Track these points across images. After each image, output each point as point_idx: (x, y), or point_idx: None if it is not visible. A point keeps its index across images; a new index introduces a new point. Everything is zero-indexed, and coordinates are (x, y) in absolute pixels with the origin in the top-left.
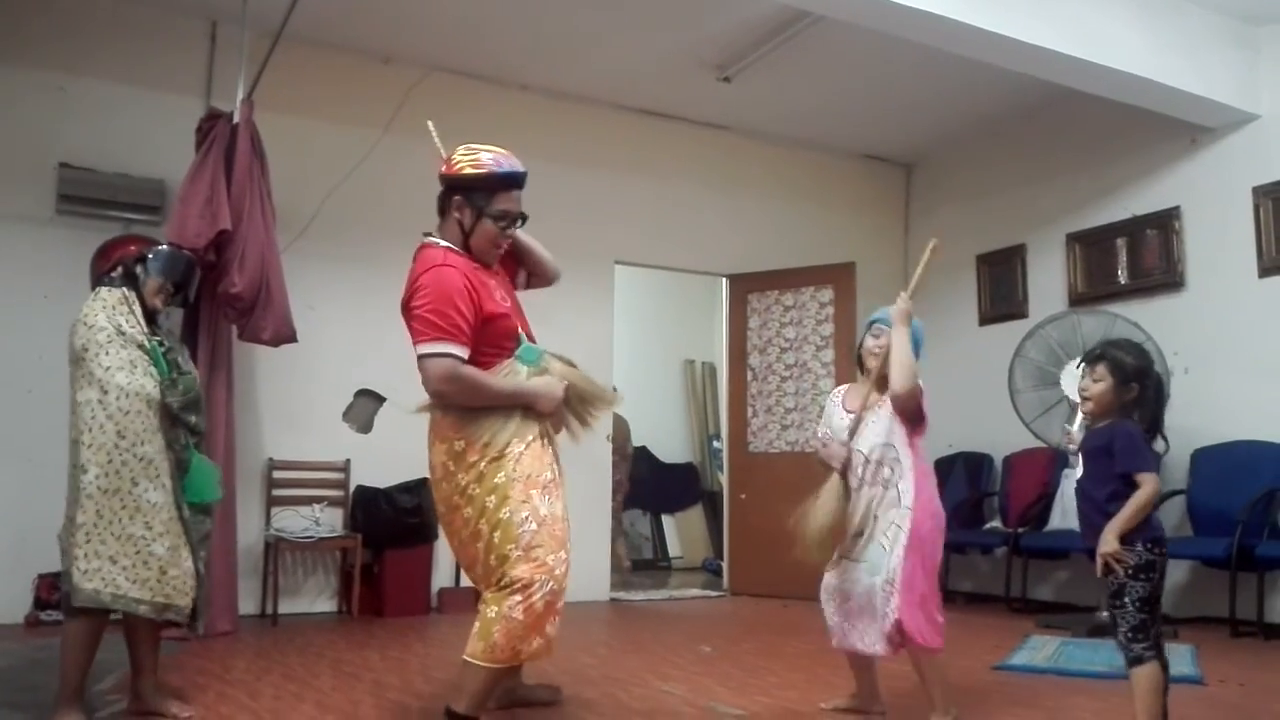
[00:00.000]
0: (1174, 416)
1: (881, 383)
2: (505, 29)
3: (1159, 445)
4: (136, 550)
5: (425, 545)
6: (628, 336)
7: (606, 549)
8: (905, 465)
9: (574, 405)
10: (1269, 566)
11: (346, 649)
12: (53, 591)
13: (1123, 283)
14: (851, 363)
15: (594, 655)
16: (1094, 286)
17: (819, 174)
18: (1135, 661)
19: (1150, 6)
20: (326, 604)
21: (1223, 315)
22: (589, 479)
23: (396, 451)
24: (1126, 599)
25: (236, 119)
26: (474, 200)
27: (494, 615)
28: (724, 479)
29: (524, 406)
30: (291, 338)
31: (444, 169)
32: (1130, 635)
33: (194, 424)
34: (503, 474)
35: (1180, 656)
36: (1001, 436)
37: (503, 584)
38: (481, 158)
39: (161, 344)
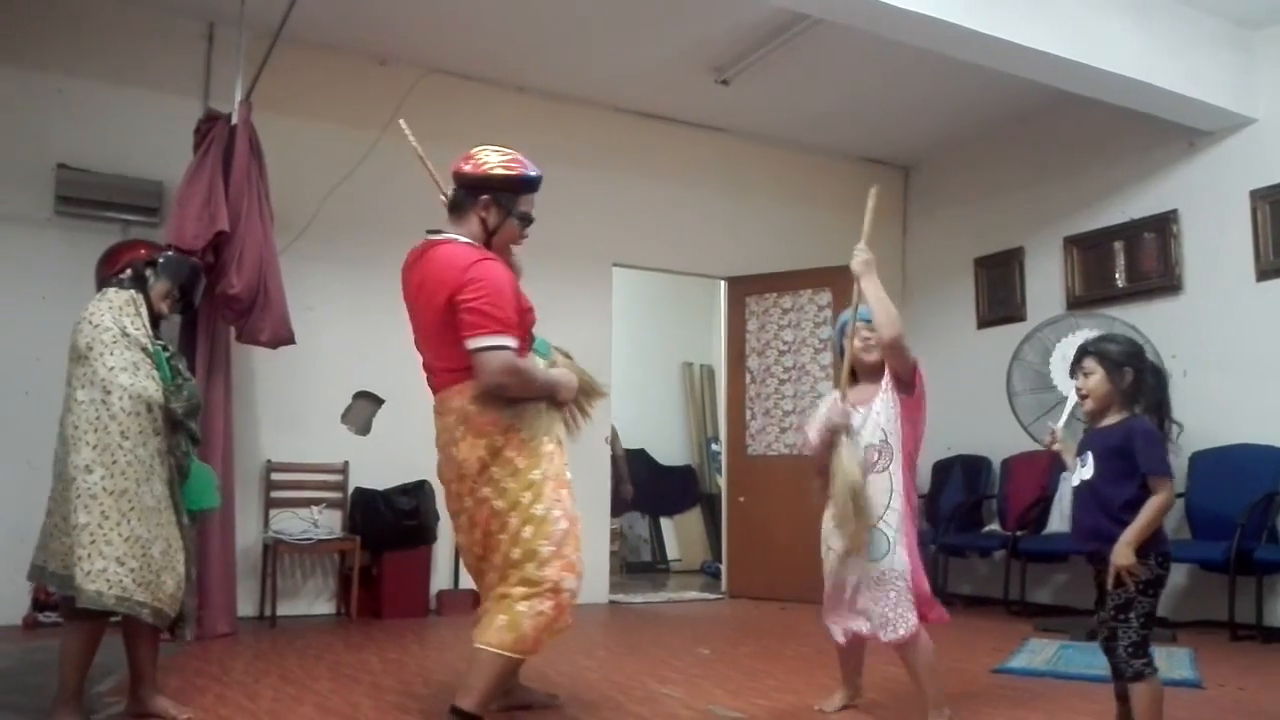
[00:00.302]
0: None
1: (870, 372)
2: (503, 31)
3: (1172, 431)
4: (143, 552)
5: (424, 547)
6: (626, 339)
7: (606, 551)
8: (896, 454)
9: (577, 398)
10: (1267, 570)
11: (345, 651)
12: (51, 593)
13: (1120, 286)
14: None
15: (592, 658)
16: (1092, 290)
17: (817, 176)
18: (1136, 678)
19: (1147, 10)
20: (325, 606)
21: (1220, 318)
22: (588, 480)
23: (395, 453)
24: (1132, 614)
25: (234, 120)
26: (502, 200)
27: (525, 609)
28: (722, 482)
29: (549, 399)
30: (290, 339)
31: (468, 168)
32: (1131, 650)
33: (194, 431)
34: (538, 470)
35: (1179, 660)
36: (1000, 439)
37: (531, 580)
38: (507, 160)
39: (165, 349)
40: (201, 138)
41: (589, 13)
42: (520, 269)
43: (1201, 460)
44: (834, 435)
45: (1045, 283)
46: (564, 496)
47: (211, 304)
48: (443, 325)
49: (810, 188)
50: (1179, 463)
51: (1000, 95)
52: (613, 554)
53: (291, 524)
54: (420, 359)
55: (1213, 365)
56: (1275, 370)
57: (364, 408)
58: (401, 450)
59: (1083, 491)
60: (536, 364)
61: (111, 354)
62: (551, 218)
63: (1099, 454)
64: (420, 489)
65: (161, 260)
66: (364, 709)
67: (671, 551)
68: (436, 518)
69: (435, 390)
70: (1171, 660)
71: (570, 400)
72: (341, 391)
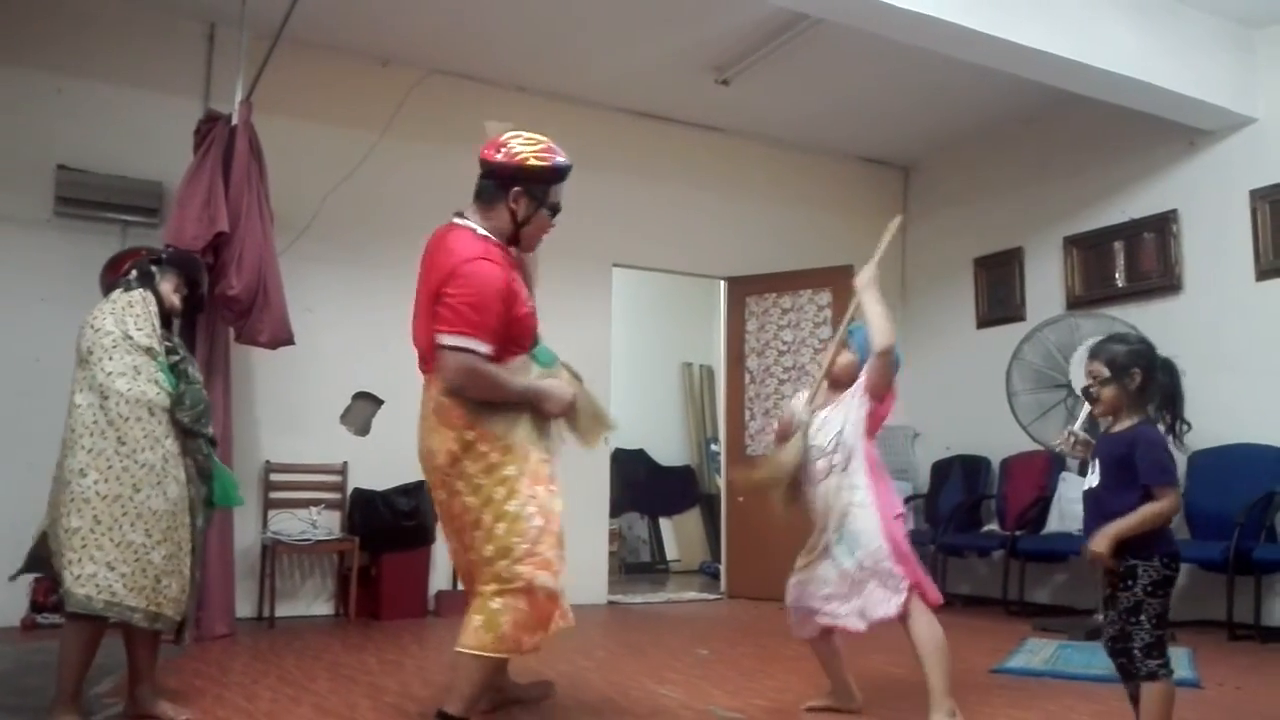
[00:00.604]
0: None
1: (839, 384)
2: (503, 32)
3: (1181, 431)
4: (136, 558)
5: (423, 548)
6: (625, 339)
7: (604, 552)
8: (859, 456)
9: (579, 420)
10: (1266, 570)
11: (343, 652)
12: (49, 594)
13: (1120, 286)
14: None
15: (591, 658)
16: (1091, 289)
17: (817, 177)
18: (1150, 677)
19: (1147, 10)
20: (323, 607)
21: (1220, 318)
22: (588, 481)
23: (394, 454)
24: (1143, 616)
25: (234, 121)
26: (534, 192)
27: (499, 606)
28: (721, 482)
29: (533, 404)
30: (289, 340)
31: (500, 157)
32: (1145, 652)
33: (208, 434)
34: (513, 467)
35: (1177, 660)
36: (999, 439)
37: (503, 577)
38: (539, 149)
39: (172, 351)
40: (201, 138)
41: (589, 13)
42: (535, 270)
43: (1200, 460)
44: (791, 429)
45: (1045, 283)
46: (540, 493)
47: (211, 305)
48: (430, 311)
49: (810, 188)
50: (1179, 461)
51: (1000, 95)
52: (611, 554)
53: (290, 525)
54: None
55: (1212, 365)
56: (1275, 370)
57: (363, 408)
58: (400, 451)
59: (1089, 499)
60: (525, 370)
61: (110, 358)
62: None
63: (1105, 462)
64: (419, 490)
65: (165, 255)
66: (362, 710)
67: (670, 552)
68: (435, 518)
69: (423, 373)
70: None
71: (557, 412)
72: (341, 392)
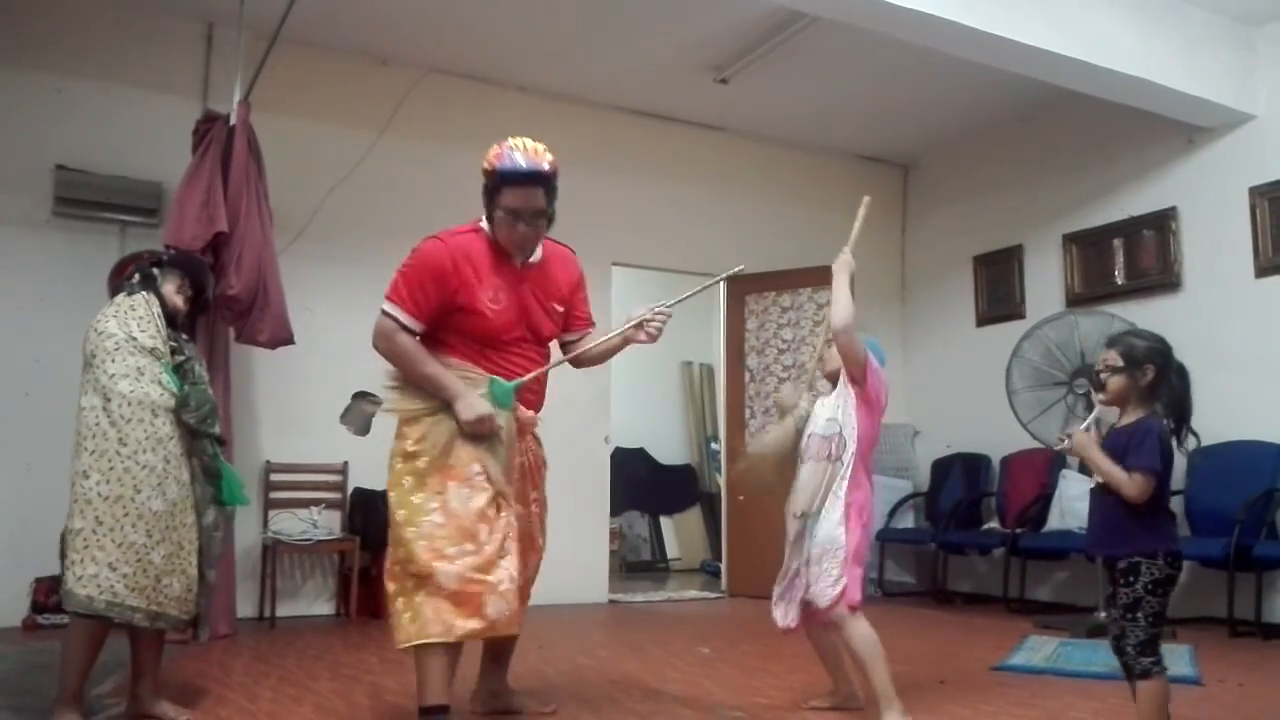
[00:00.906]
0: None
1: (832, 376)
2: (502, 31)
3: (1189, 441)
4: (137, 558)
5: None
6: None
7: (604, 550)
8: (849, 444)
9: (493, 457)
10: (1267, 566)
11: (345, 651)
12: (50, 595)
13: (1120, 283)
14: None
15: (592, 657)
16: (1091, 287)
17: (816, 175)
18: (1143, 675)
19: (1147, 7)
20: (324, 606)
21: (1219, 315)
22: (585, 481)
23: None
24: (1140, 614)
25: (233, 121)
26: (487, 192)
27: (421, 599)
28: (722, 481)
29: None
30: (289, 340)
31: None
32: (1139, 649)
33: (215, 434)
34: (425, 459)
35: (1178, 656)
36: (999, 437)
37: (410, 571)
38: (494, 152)
39: (178, 351)
40: (200, 138)
41: (588, 12)
42: (524, 258)
43: (1200, 457)
44: (780, 412)
45: (1044, 280)
46: (449, 489)
47: (211, 305)
48: None
49: (809, 186)
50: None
51: (999, 93)
52: (612, 553)
53: (291, 524)
54: None
55: (1212, 362)
56: (1274, 367)
57: (363, 408)
58: None
59: (1094, 494)
60: (473, 385)
61: (113, 360)
62: None
63: (1111, 457)
64: None
65: (166, 257)
66: (364, 709)
67: (671, 550)
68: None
69: None
70: (1171, 657)
71: (467, 420)
72: (340, 392)
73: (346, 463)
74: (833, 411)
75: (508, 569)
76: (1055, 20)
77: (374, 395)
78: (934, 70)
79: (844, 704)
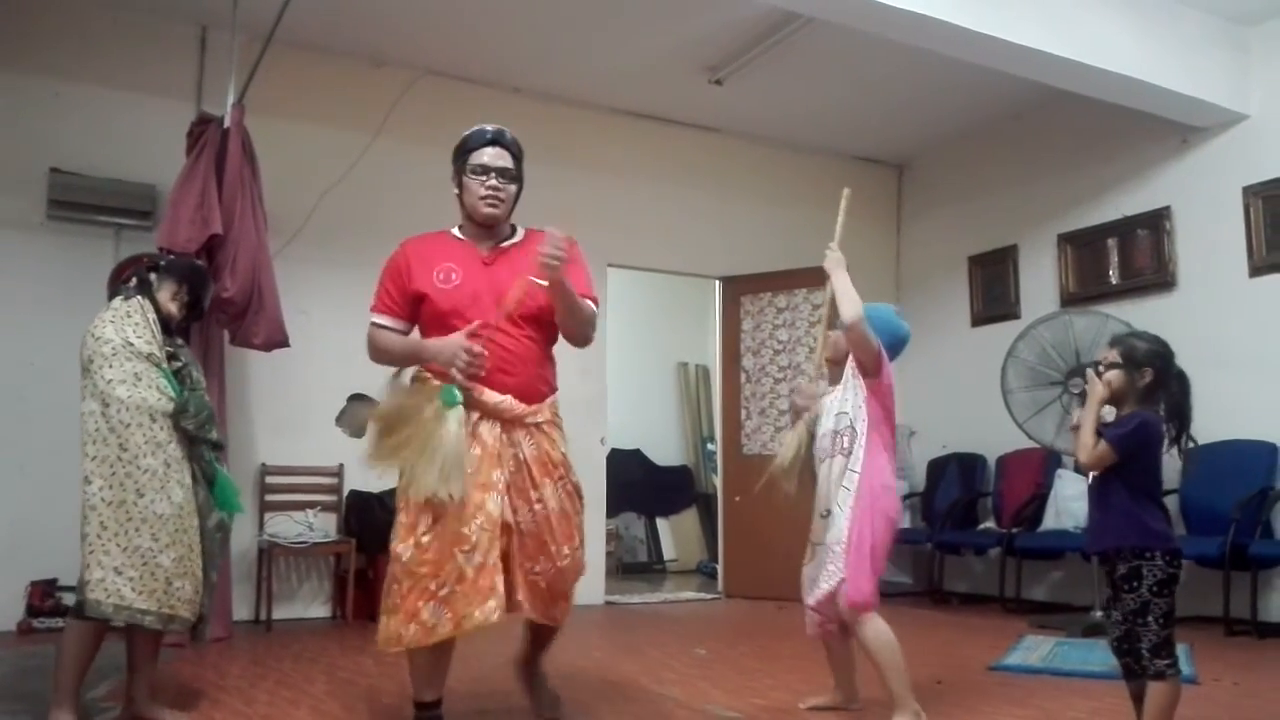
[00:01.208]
0: None
1: (835, 366)
2: (497, 33)
3: (1184, 443)
4: (144, 562)
5: None
6: (621, 339)
7: (601, 552)
8: (860, 435)
9: (433, 464)
10: (1262, 565)
11: (341, 654)
12: (45, 599)
13: (1114, 283)
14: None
15: (589, 659)
16: (1085, 287)
17: (811, 176)
18: (1157, 677)
19: (1140, 7)
20: (320, 609)
21: (1214, 315)
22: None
23: None
24: (1150, 617)
25: (227, 123)
26: (457, 164)
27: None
28: (718, 482)
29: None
30: (284, 343)
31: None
32: (1153, 652)
33: (213, 439)
34: (401, 502)
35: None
36: (995, 437)
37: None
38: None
39: (175, 357)
40: (194, 141)
41: (583, 13)
42: (573, 330)
43: (1195, 456)
44: (795, 415)
45: (1039, 280)
46: (419, 532)
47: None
48: None
49: (804, 187)
50: (1174, 459)
51: (993, 93)
52: (609, 554)
53: (286, 527)
54: None
55: (1206, 361)
56: (1269, 366)
57: (358, 410)
58: None
59: (1091, 490)
60: (425, 393)
61: (110, 366)
62: (546, 218)
63: None
64: None
65: (164, 263)
66: (360, 712)
67: (668, 551)
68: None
69: None
70: None
71: (449, 362)
72: (336, 394)
73: (342, 465)
74: (841, 405)
75: (460, 569)
76: (1049, 20)
77: (369, 398)
78: (928, 71)
79: (842, 705)
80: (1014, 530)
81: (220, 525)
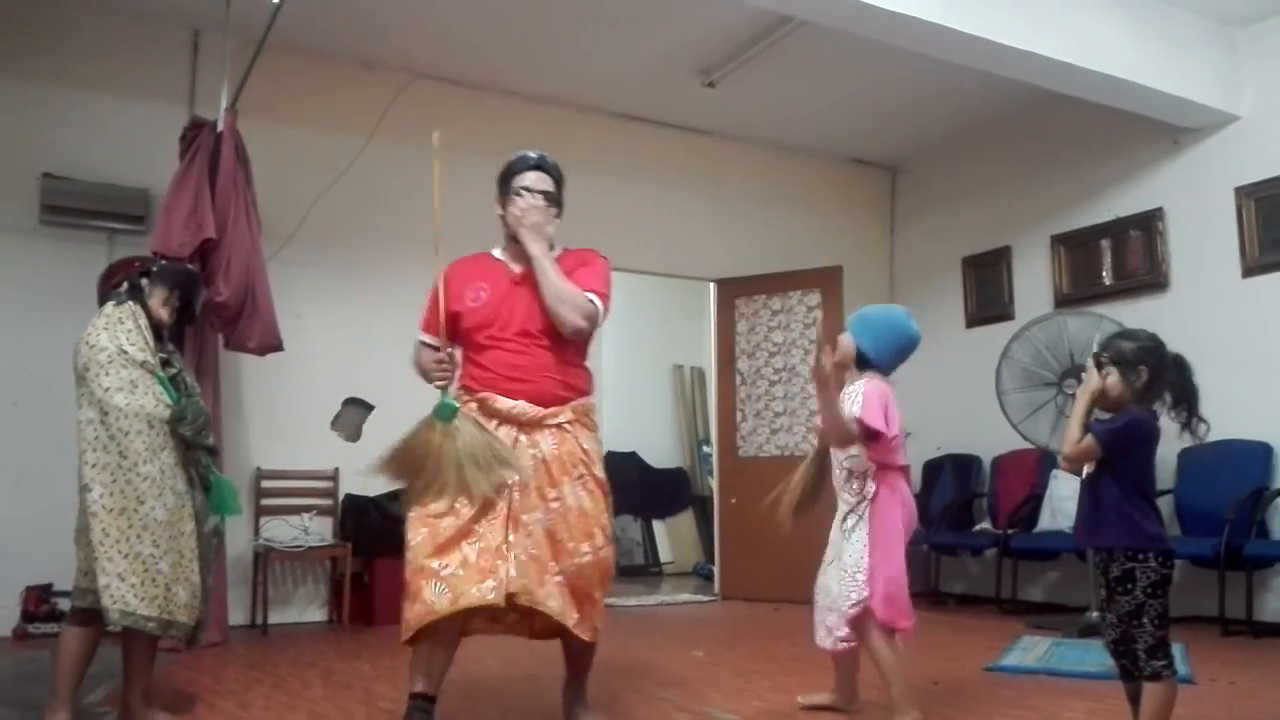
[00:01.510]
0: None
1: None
2: (490, 35)
3: (1198, 429)
4: (145, 568)
5: None
6: (616, 342)
7: None
8: (869, 465)
9: (470, 469)
10: (1257, 565)
11: (337, 658)
12: (40, 604)
13: (1107, 284)
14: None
15: None
16: (1079, 288)
17: (805, 178)
18: (1153, 677)
19: (1131, 9)
20: (317, 613)
21: (1207, 315)
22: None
23: None
24: (1145, 618)
25: (220, 127)
26: (502, 187)
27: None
28: (714, 484)
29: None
30: (278, 346)
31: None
32: (1149, 653)
33: (209, 444)
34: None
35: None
36: (990, 438)
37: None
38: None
39: (168, 363)
40: (187, 145)
41: (576, 16)
42: (554, 312)
43: (1189, 456)
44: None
45: (1033, 281)
46: (422, 533)
47: (198, 315)
48: None
49: (798, 189)
50: (1169, 459)
51: (985, 95)
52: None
53: (282, 531)
54: None
55: (1199, 362)
56: (1261, 366)
57: (353, 414)
58: None
59: (1083, 485)
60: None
61: (106, 374)
62: None
63: None
64: None
65: (155, 268)
66: (357, 716)
67: (664, 554)
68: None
69: None
70: None
71: (431, 383)
72: (331, 398)
73: (337, 469)
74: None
75: (464, 554)
76: (1040, 23)
77: (364, 401)
78: (921, 73)
79: (841, 706)
80: (1009, 531)
81: (215, 530)
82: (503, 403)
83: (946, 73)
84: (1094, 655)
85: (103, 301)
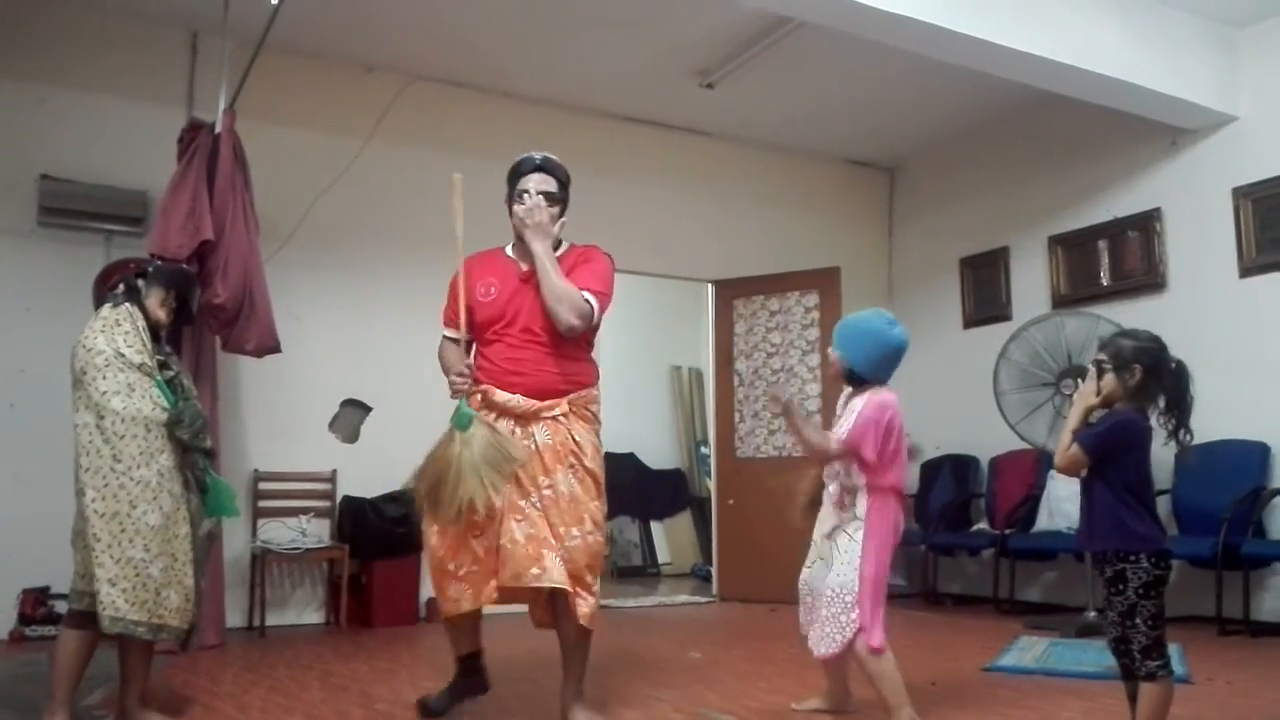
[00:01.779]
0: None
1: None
2: (488, 38)
3: (1183, 437)
4: (136, 573)
5: (413, 555)
6: (614, 343)
7: None
8: (859, 483)
9: (486, 473)
10: (1254, 565)
11: (335, 660)
12: (37, 607)
13: (1105, 284)
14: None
15: None
16: (1076, 288)
17: (803, 179)
18: (1148, 678)
19: (1130, 10)
20: (314, 615)
21: (1204, 316)
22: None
23: (383, 461)
24: (1138, 619)
25: (218, 129)
26: (509, 188)
27: None
28: (712, 485)
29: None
30: (275, 348)
31: None
32: (1144, 653)
33: (206, 447)
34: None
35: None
36: (987, 438)
37: None
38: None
39: (166, 365)
40: (185, 146)
41: (574, 18)
42: (551, 310)
43: (1187, 457)
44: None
45: (1031, 282)
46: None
47: (197, 313)
48: None
49: (796, 190)
50: (1166, 460)
51: (984, 96)
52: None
53: (280, 533)
54: None
55: (1197, 362)
56: (1259, 366)
57: (351, 415)
58: (390, 458)
59: (1082, 490)
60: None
61: (104, 377)
62: None
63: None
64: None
65: (151, 270)
66: (354, 718)
67: (662, 555)
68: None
69: None
70: None
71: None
72: (329, 400)
73: (335, 470)
74: (845, 430)
75: (474, 552)
76: (1039, 24)
77: (362, 403)
78: (919, 74)
79: (836, 708)
80: (1007, 531)
81: (210, 534)
82: (500, 395)
83: (945, 74)
84: (1091, 655)
85: (99, 304)
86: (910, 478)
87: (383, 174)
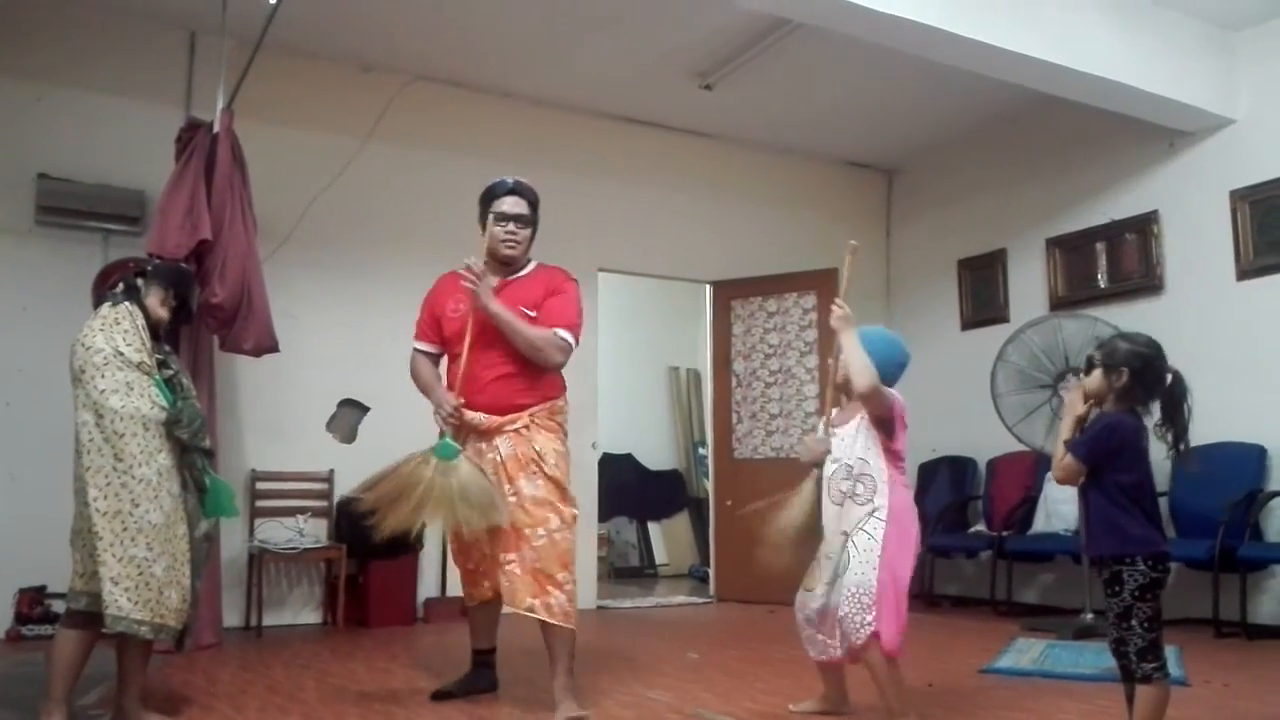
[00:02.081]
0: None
1: (848, 390)
2: (487, 37)
3: (1184, 451)
4: (139, 572)
5: (410, 555)
6: (612, 344)
7: (592, 556)
8: (879, 479)
9: (460, 508)
10: (1251, 567)
11: (332, 660)
12: (34, 606)
13: (1102, 286)
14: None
15: (580, 663)
16: (1074, 291)
17: (801, 180)
18: (1144, 680)
19: (1128, 13)
20: (311, 615)
21: (1202, 318)
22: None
23: (381, 461)
24: (1134, 621)
25: (216, 128)
26: (482, 209)
27: None
28: (709, 485)
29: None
30: (273, 348)
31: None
32: (1139, 655)
33: (205, 447)
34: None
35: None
36: (985, 440)
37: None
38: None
39: (165, 365)
40: (183, 146)
41: (573, 18)
42: (523, 348)
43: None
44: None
45: (1028, 284)
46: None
47: (194, 315)
48: None
49: (794, 191)
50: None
51: (982, 98)
52: (600, 559)
53: (277, 533)
54: None
55: (1194, 365)
56: (1256, 369)
57: (349, 415)
58: (387, 458)
59: (1079, 496)
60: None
61: (102, 376)
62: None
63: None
64: None
65: (151, 268)
66: (351, 718)
67: (659, 556)
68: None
69: None
70: None
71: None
72: (326, 400)
73: (332, 470)
74: (859, 450)
75: (480, 551)
76: (1037, 26)
77: (360, 403)
78: (917, 76)
79: (832, 710)
80: (1004, 533)
81: (207, 535)
82: (467, 414)
83: (942, 76)
84: (1088, 657)
85: (98, 303)
86: (908, 479)
87: (381, 174)
